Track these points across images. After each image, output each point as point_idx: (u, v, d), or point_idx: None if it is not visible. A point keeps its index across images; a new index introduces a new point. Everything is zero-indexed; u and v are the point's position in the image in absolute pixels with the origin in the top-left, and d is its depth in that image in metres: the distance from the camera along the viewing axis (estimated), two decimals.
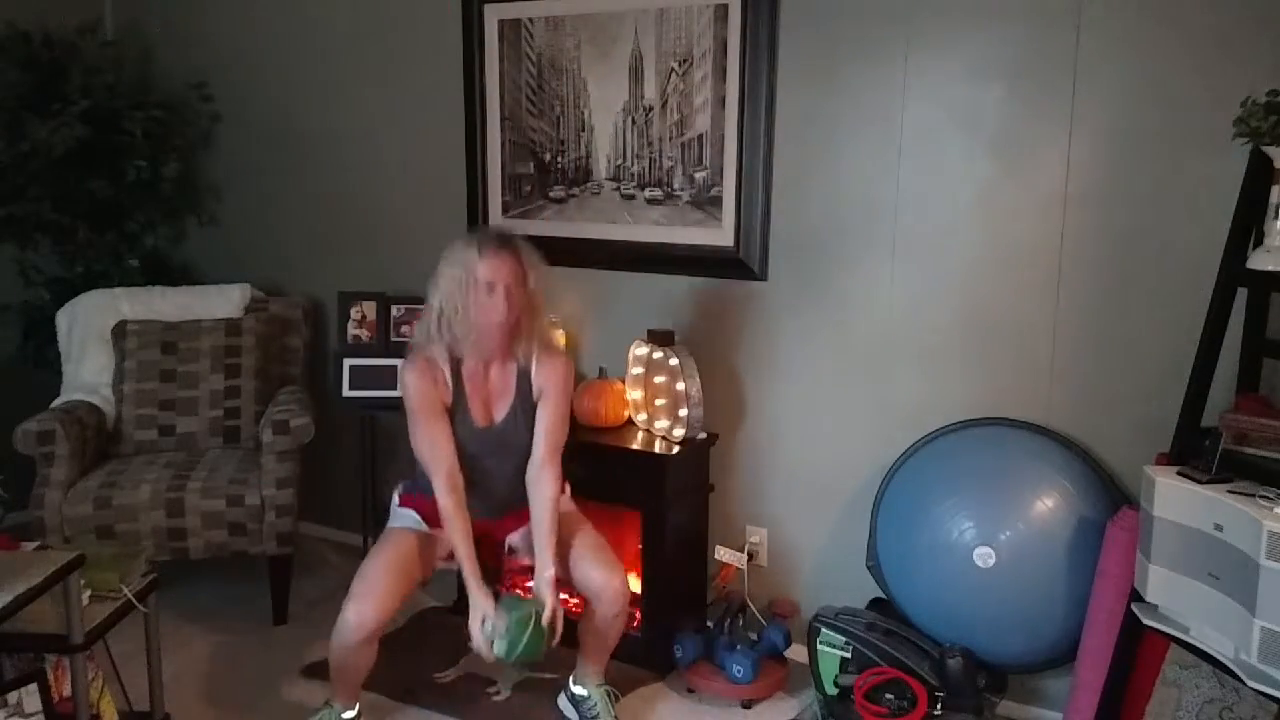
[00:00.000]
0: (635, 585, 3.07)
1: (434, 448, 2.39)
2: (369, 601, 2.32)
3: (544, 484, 2.46)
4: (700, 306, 3.06)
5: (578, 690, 2.64)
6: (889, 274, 2.77)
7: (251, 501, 3.05)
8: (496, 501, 2.54)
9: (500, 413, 2.48)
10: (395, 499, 2.63)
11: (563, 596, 3.12)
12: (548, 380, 2.47)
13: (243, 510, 3.05)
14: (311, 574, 3.53)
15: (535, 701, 2.76)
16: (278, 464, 3.10)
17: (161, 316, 3.46)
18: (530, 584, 2.58)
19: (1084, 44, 2.45)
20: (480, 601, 2.34)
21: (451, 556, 2.54)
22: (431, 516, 2.49)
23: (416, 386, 2.39)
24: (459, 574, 3.28)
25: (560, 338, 3.20)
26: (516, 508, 2.54)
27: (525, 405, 2.48)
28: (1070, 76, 2.48)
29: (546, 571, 2.39)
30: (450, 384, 2.42)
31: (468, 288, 2.31)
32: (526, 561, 2.60)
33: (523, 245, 2.39)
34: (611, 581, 2.43)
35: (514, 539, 2.63)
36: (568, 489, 2.64)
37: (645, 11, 2.99)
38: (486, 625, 2.31)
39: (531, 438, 2.49)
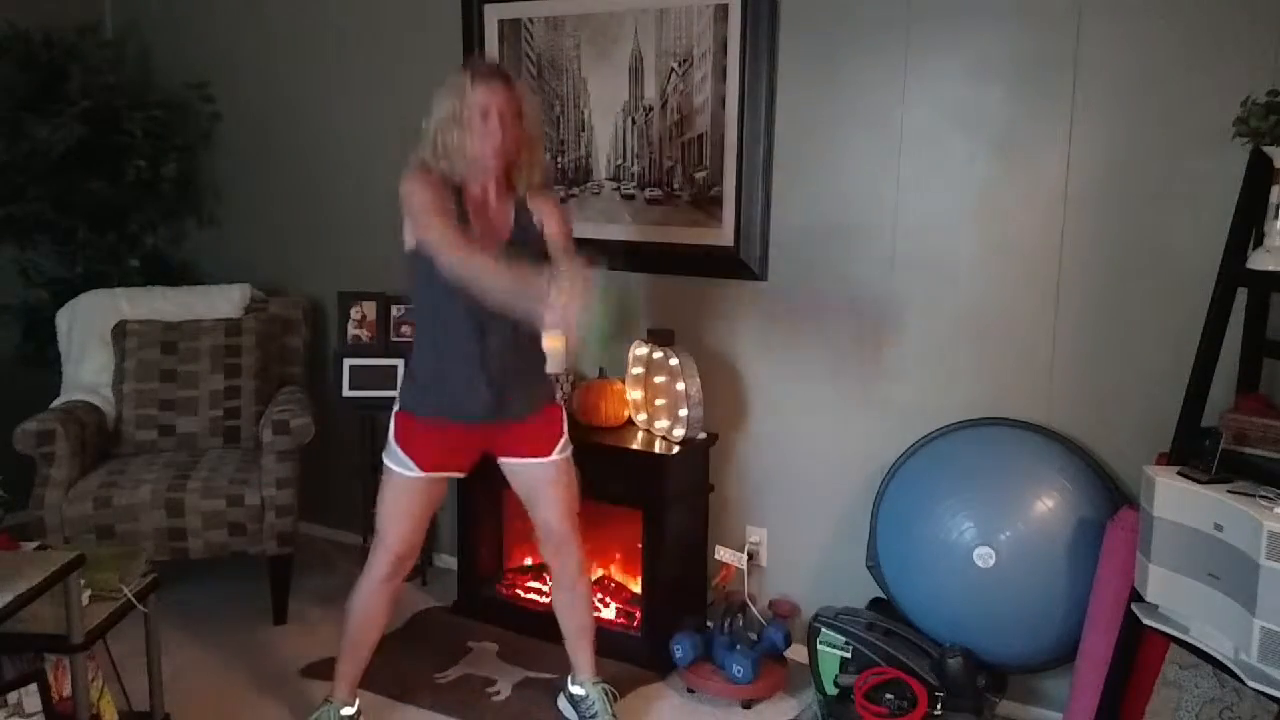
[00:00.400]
0: (635, 585, 3.08)
1: (451, 234, 2.20)
2: (395, 538, 2.42)
3: (565, 266, 2.16)
4: (700, 306, 3.06)
5: (575, 690, 2.64)
6: (889, 273, 2.77)
7: (251, 501, 3.05)
8: (500, 374, 2.38)
9: (504, 235, 2.38)
10: (393, 425, 2.46)
11: (532, 586, 3.10)
12: (544, 210, 2.42)
13: (243, 510, 3.05)
14: (311, 574, 3.53)
15: (535, 701, 2.76)
16: (278, 464, 3.10)
17: (161, 316, 3.46)
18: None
19: (1084, 44, 2.45)
20: (549, 315, 2.06)
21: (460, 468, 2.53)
22: (424, 455, 2.40)
23: (423, 186, 2.26)
24: (459, 571, 3.30)
25: (560, 338, 3.19)
26: (522, 399, 2.43)
27: (526, 230, 2.39)
28: (1070, 76, 2.48)
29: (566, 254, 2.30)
30: (455, 205, 2.32)
31: (462, 115, 2.26)
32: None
33: (516, 78, 2.36)
34: (563, 524, 2.50)
35: (513, 469, 2.53)
36: (565, 432, 2.54)
37: (645, 11, 2.99)
38: (567, 333, 2.10)
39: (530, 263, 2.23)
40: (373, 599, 2.49)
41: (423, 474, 2.42)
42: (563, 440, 2.52)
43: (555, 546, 2.55)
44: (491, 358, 2.36)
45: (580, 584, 2.60)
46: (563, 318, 2.05)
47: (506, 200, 2.40)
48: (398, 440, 2.44)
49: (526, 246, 2.37)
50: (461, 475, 2.57)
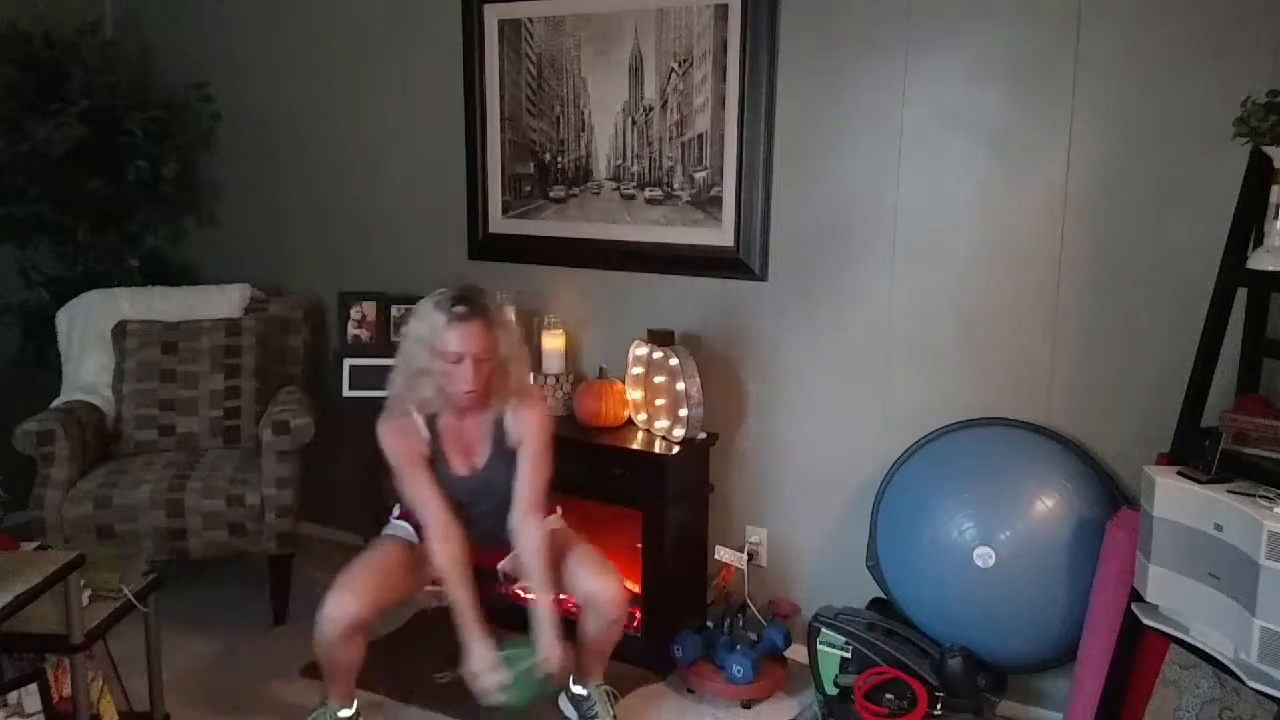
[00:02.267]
0: (635, 586, 3.07)
1: (424, 502, 2.41)
2: (348, 594, 2.33)
3: (528, 533, 2.44)
4: (700, 306, 3.06)
5: (577, 690, 2.64)
6: (889, 273, 2.77)
7: (251, 501, 3.05)
8: (492, 538, 2.52)
9: (481, 459, 2.48)
10: (395, 510, 2.63)
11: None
12: (524, 430, 2.45)
13: (243, 510, 3.05)
14: (312, 575, 3.52)
15: (535, 701, 2.76)
16: (278, 464, 3.10)
17: (162, 316, 3.46)
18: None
19: (1084, 43, 2.45)
20: (480, 652, 2.33)
21: (440, 581, 2.54)
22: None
23: (395, 446, 2.41)
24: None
25: (560, 338, 3.21)
26: (506, 542, 2.52)
27: (502, 451, 2.47)
28: (1070, 76, 2.48)
29: (543, 604, 2.38)
30: (427, 436, 2.44)
31: (434, 355, 2.30)
32: (518, 586, 2.65)
33: (492, 310, 2.36)
34: (608, 589, 2.43)
35: (505, 565, 2.64)
36: (558, 510, 2.67)
37: (645, 11, 2.99)
38: (491, 675, 2.30)
39: (513, 480, 2.47)
40: (329, 648, 2.37)
41: (420, 543, 2.48)
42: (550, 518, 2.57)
43: (599, 608, 2.46)
44: (475, 530, 2.48)
45: (616, 624, 2.49)
46: (480, 692, 2.29)
47: (484, 417, 2.45)
48: (400, 516, 2.58)
49: (505, 467, 2.46)
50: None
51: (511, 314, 2.46)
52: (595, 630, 2.50)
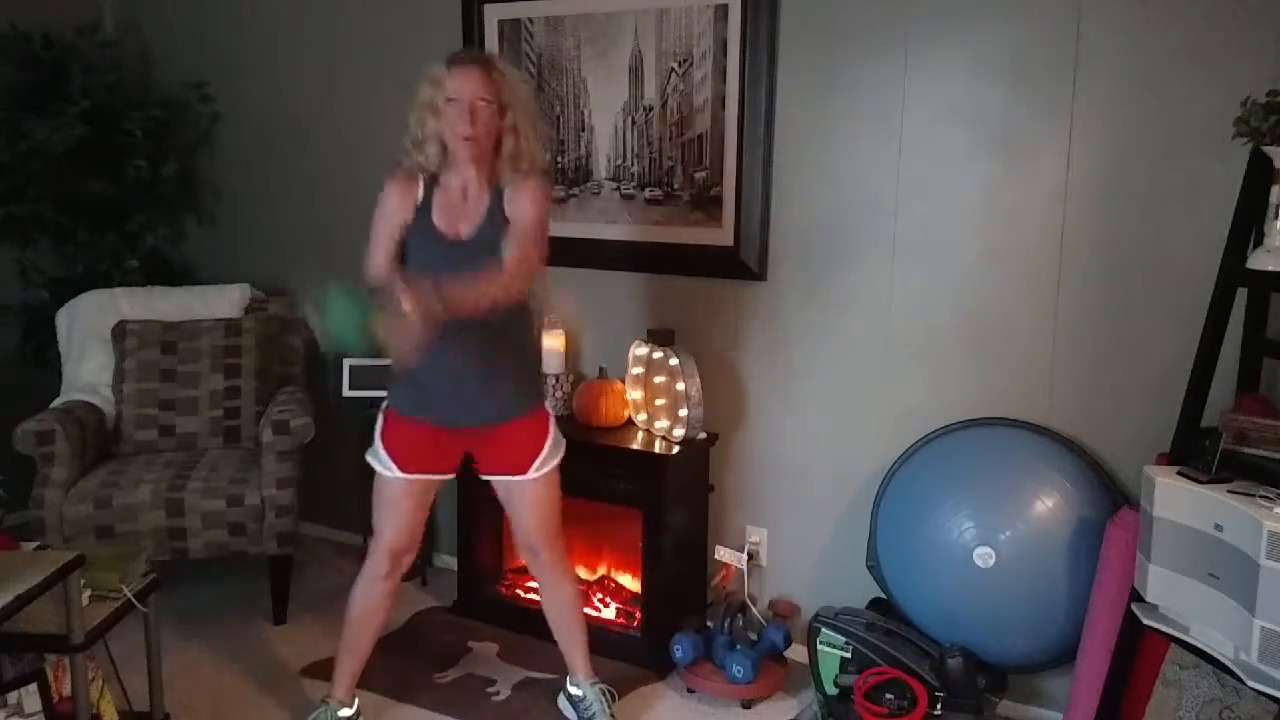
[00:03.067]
0: (635, 585, 3.07)
1: (373, 247, 2.36)
2: (392, 532, 2.45)
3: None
4: (700, 306, 3.06)
5: (573, 691, 2.64)
6: (889, 273, 2.77)
7: (251, 501, 3.05)
8: (477, 377, 2.36)
9: (468, 230, 2.32)
10: (380, 421, 2.46)
11: (532, 586, 3.07)
12: (518, 203, 2.31)
13: (243, 510, 3.05)
14: (311, 574, 3.54)
15: (535, 701, 2.76)
16: (278, 464, 3.10)
17: (161, 316, 3.46)
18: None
19: (1084, 43, 2.45)
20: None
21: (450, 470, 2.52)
22: (407, 458, 2.41)
23: (385, 197, 2.36)
24: (459, 571, 3.30)
25: (560, 338, 3.21)
26: (501, 402, 2.39)
27: (494, 224, 2.31)
28: (1070, 75, 2.48)
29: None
30: (420, 195, 2.34)
31: (435, 102, 2.26)
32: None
33: (499, 66, 2.29)
34: (546, 543, 2.51)
35: (500, 485, 2.51)
36: (549, 444, 2.46)
37: (645, 11, 2.99)
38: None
39: (496, 259, 2.24)
40: (370, 596, 2.51)
41: (402, 475, 2.43)
42: (543, 454, 2.44)
43: (529, 552, 2.57)
44: (468, 360, 2.33)
45: (561, 588, 2.59)
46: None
47: (486, 191, 2.34)
48: (382, 439, 2.45)
49: (493, 240, 2.30)
50: (446, 477, 2.54)
51: (525, 83, 2.34)
52: (551, 608, 2.59)
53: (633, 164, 3.12)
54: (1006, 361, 2.65)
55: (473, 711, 2.72)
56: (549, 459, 2.46)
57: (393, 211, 2.35)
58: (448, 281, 2.05)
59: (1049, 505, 2.44)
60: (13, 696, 2.05)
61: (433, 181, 2.35)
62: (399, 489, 2.44)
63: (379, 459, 2.44)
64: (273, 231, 3.89)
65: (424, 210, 2.34)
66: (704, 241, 3.01)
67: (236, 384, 3.40)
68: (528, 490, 2.46)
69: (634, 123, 3.09)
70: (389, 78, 3.52)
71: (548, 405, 2.58)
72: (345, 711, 2.53)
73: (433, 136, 2.29)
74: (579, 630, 2.63)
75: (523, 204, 2.31)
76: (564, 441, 2.52)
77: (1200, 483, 1.99)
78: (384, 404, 2.47)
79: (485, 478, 2.51)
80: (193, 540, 3.04)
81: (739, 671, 2.71)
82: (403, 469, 2.41)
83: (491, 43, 3.26)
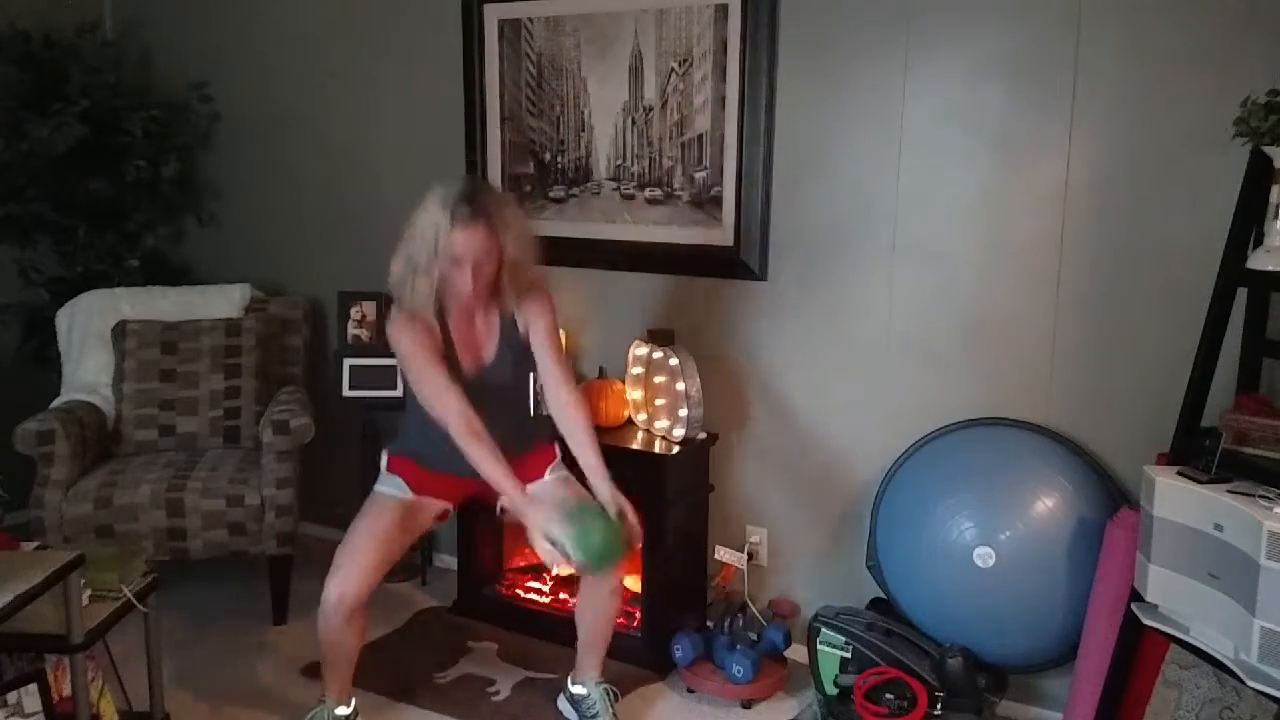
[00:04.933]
0: (635, 585, 3.07)
1: (441, 393, 2.32)
2: (352, 574, 2.32)
3: (571, 411, 2.41)
4: (700, 306, 3.06)
5: (576, 690, 2.64)
6: (889, 273, 2.77)
7: (251, 501, 3.05)
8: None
9: (489, 357, 2.44)
10: (384, 460, 2.56)
11: (563, 597, 3.13)
12: (531, 315, 2.41)
13: (243, 510, 3.05)
14: (311, 574, 3.51)
15: (535, 701, 2.76)
16: (278, 464, 3.10)
17: (161, 316, 3.46)
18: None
19: (1084, 43, 2.45)
20: (535, 512, 2.25)
21: (442, 518, 2.55)
22: (418, 482, 2.47)
23: (409, 337, 2.34)
24: (459, 571, 3.30)
25: (560, 338, 3.20)
26: (511, 455, 2.42)
27: (511, 346, 2.44)
28: (1070, 76, 2.48)
29: (604, 480, 2.34)
30: (438, 332, 2.38)
31: (437, 254, 2.27)
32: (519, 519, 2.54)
33: (497, 212, 2.30)
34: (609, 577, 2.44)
35: (505, 502, 2.50)
36: (558, 452, 2.59)
37: (645, 11, 2.99)
38: (554, 533, 2.19)
39: (519, 378, 2.48)
40: (332, 631, 2.36)
41: (411, 495, 2.47)
42: (555, 462, 2.56)
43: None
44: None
45: (608, 583, 2.49)
46: (540, 541, 2.22)
47: (493, 314, 2.44)
48: (390, 468, 2.52)
49: (513, 361, 2.45)
50: (447, 508, 2.57)
51: (518, 210, 2.40)
52: (592, 606, 2.51)
53: (633, 164, 3.12)
54: (1006, 362, 2.65)
55: (473, 711, 2.72)
56: (560, 468, 2.56)
57: (426, 349, 2.35)
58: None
59: (1049, 505, 2.44)
60: (13, 696, 2.05)
61: (440, 315, 2.40)
62: (399, 509, 2.46)
63: (388, 482, 2.50)
64: (273, 231, 3.89)
65: (449, 351, 2.40)
66: (704, 241, 3.01)
67: (236, 384, 3.40)
68: (554, 493, 2.48)
69: (634, 123, 3.09)
70: (389, 77, 3.53)
71: (550, 443, 2.63)
72: (343, 710, 2.53)
73: (428, 275, 2.31)
74: (608, 635, 2.58)
75: (540, 321, 2.43)
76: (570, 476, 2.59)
77: (1200, 483, 1.99)
78: (388, 450, 2.56)
79: (502, 503, 2.51)
80: (193, 540, 3.04)
81: (739, 671, 2.71)
82: (414, 491, 2.47)
83: (491, 43, 3.26)
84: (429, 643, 3.09)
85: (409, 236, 2.35)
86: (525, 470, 2.49)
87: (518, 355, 2.47)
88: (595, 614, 2.55)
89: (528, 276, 2.42)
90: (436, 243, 2.27)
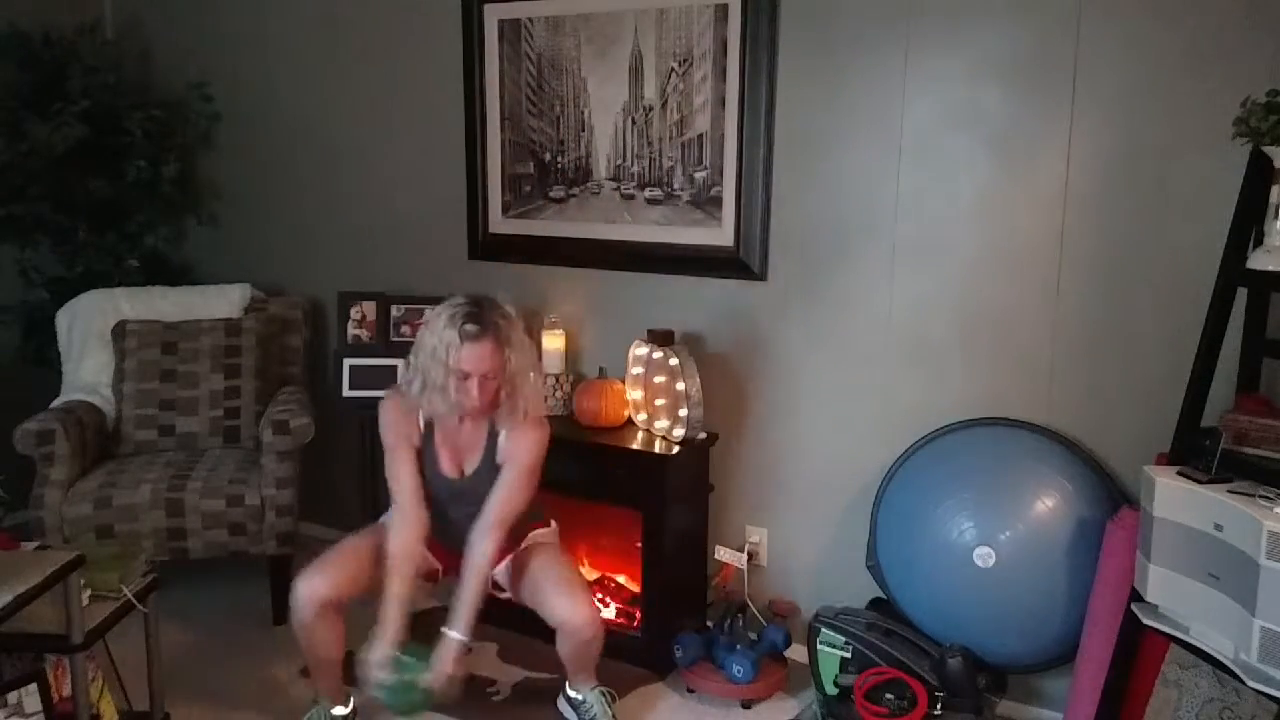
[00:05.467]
0: (635, 585, 3.07)
1: (397, 480, 2.46)
2: (317, 573, 2.38)
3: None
4: (700, 306, 3.06)
5: (573, 694, 2.64)
6: (889, 274, 2.77)
7: (251, 501, 3.05)
8: (459, 543, 2.50)
9: (470, 466, 2.50)
10: (391, 508, 2.60)
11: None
12: (513, 450, 2.45)
13: (243, 510, 3.05)
14: None
15: (535, 701, 2.76)
16: (278, 464, 3.10)
17: (161, 316, 3.46)
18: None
19: (1084, 44, 2.45)
20: (380, 643, 2.33)
21: (431, 577, 2.60)
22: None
23: (391, 419, 2.47)
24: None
25: (560, 338, 3.21)
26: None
27: (492, 464, 2.49)
28: (1070, 76, 2.48)
29: (453, 632, 2.37)
30: (421, 426, 2.47)
31: (444, 368, 2.32)
32: (498, 592, 2.62)
33: (503, 326, 2.36)
34: (576, 613, 2.40)
35: (498, 573, 2.59)
36: (553, 524, 2.70)
37: (645, 11, 2.99)
38: (377, 670, 2.30)
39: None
40: (304, 630, 2.41)
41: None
42: (546, 530, 2.64)
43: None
44: (450, 531, 2.51)
45: (592, 639, 2.47)
46: (362, 675, 2.32)
47: (482, 426, 2.48)
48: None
49: (489, 477, 2.47)
50: (440, 569, 2.61)
51: (520, 325, 2.46)
52: (571, 650, 2.50)
53: (633, 164, 3.12)
54: (1006, 361, 2.65)
55: (473, 711, 2.72)
56: (552, 535, 2.66)
57: (401, 433, 2.46)
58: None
59: (1049, 505, 2.44)
60: (13, 696, 2.05)
61: (430, 417, 2.47)
62: (377, 542, 2.46)
63: (390, 517, 2.52)
64: (273, 231, 3.89)
65: (428, 446, 2.49)
66: (704, 241, 3.01)
67: (236, 384, 3.40)
68: (531, 560, 2.52)
69: (634, 123, 3.09)
70: (389, 77, 3.53)
71: (547, 526, 2.69)
72: (340, 710, 2.53)
73: (437, 388, 2.35)
74: (589, 656, 2.54)
75: (519, 453, 2.45)
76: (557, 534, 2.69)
77: (1200, 483, 1.99)
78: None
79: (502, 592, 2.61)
80: (193, 540, 3.04)
81: (739, 671, 2.71)
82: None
83: (491, 43, 3.26)
84: (429, 643, 3.08)
85: (417, 349, 2.41)
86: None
87: (496, 474, 2.48)
88: (570, 656, 2.52)
89: (529, 399, 2.45)
90: (445, 358, 2.32)
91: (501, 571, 2.59)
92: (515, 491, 2.46)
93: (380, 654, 2.31)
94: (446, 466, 2.49)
